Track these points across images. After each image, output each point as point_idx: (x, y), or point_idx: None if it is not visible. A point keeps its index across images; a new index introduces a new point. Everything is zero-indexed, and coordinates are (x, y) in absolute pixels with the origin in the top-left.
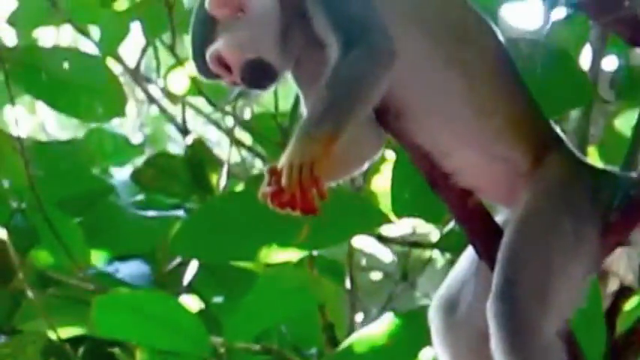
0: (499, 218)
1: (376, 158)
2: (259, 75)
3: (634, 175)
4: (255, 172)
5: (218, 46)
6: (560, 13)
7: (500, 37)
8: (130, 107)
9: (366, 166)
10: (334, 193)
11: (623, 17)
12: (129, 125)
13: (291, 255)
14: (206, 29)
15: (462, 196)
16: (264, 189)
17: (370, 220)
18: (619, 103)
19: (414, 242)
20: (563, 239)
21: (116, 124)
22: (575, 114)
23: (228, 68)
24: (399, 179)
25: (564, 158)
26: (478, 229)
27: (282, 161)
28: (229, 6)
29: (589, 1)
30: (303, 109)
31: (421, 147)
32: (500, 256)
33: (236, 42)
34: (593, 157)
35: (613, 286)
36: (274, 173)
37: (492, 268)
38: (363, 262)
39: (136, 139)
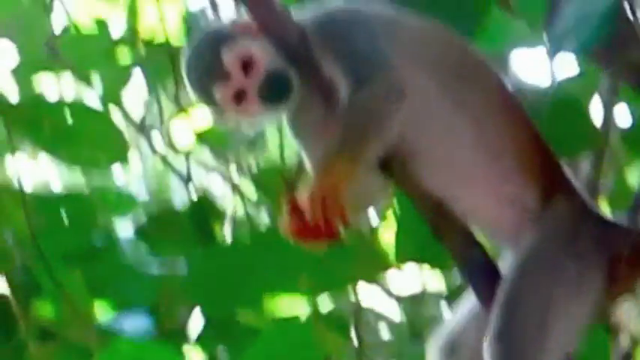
0: (503, 264)
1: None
2: (280, 86)
3: None
4: (260, 224)
5: (250, 44)
6: (570, 65)
7: (505, 80)
8: (134, 159)
9: (374, 210)
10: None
11: (631, 65)
12: (133, 178)
13: (294, 301)
14: (226, 33)
15: (465, 244)
16: (287, 224)
17: (373, 265)
18: (630, 155)
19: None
20: (565, 282)
21: (120, 177)
22: (586, 164)
23: (246, 72)
24: (404, 226)
25: (573, 203)
26: (481, 277)
27: (305, 195)
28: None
29: (596, 47)
30: (304, 160)
31: (428, 192)
32: (499, 295)
33: (269, 49)
34: (603, 208)
35: (625, 340)
36: (295, 209)
37: None
38: (371, 318)
39: (141, 191)
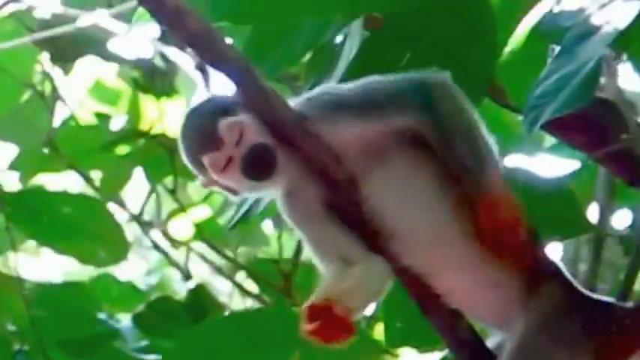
0: (491, 341)
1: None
2: (264, 160)
3: (629, 305)
4: None
5: (244, 118)
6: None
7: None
8: (136, 253)
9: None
10: None
11: (619, 155)
12: (135, 271)
13: None
14: (225, 104)
15: (452, 321)
16: (307, 327)
17: (363, 349)
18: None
19: None
20: None
21: (122, 270)
22: (582, 268)
23: (237, 141)
24: (391, 307)
25: (560, 288)
26: (469, 355)
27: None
28: None
29: (584, 137)
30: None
31: (411, 269)
32: None
33: (261, 125)
34: None
35: None
36: (314, 309)
37: None
38: None
39: (143, 284)
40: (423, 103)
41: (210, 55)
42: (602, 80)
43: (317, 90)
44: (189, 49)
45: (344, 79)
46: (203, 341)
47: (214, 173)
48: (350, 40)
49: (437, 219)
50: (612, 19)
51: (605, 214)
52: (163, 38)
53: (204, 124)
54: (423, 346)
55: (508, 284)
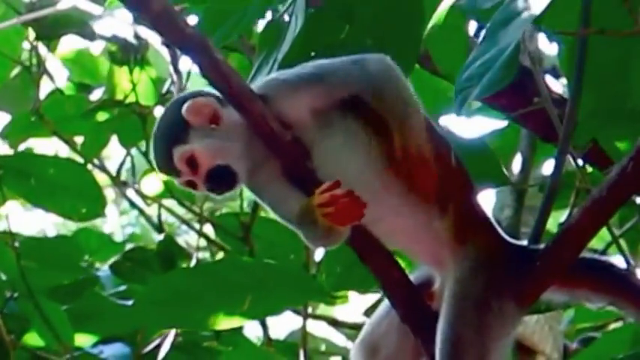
0: (418, 273)
1: None
2: (224, 181)
3: (541, 247)
4: None
5: (193, 147)
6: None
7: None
8: (113, 209)
9: None
10: (276, 268)
11: (535, 115)
12: (115, 224)
13: (237, 322)
14: (177, 130)
15: (388, 268)
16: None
17: (308, 292)
18: None
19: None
20: (492, 319)
21: (103, 223)
22: (507, 213)
23: (193, 168)
24: (331, 254)
25: (489, 236)
26: (401, 297)
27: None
28: (206, 116)
29: (504, 100)
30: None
31: None
32: (439, 334)
33: (212, 148)
34: None
35: None
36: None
37: (414, 331)
38: (323, 347)
39: (118, 234)
40: (363, 73)
41: (171, 33)
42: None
43: (272, 75)
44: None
45: (291, 50)
46: (171, 288)
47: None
48: (295, 16)
49: (374, 175)
50: (530, 4)
51: (526, 167)
52: (136, 19)
53: (161, 154)
54: (360, 288)
55: (440, 226)
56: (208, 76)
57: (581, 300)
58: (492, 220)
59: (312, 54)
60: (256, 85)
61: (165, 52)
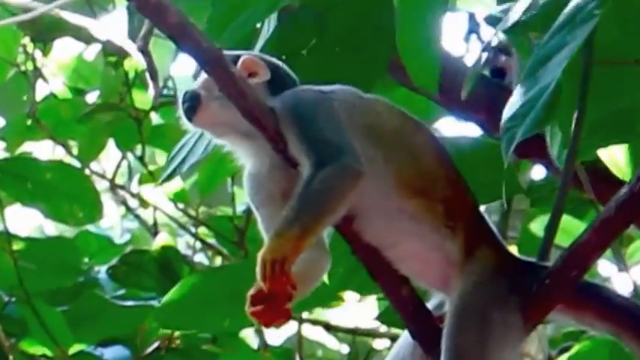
0: (432, 302)
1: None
2: (188, 104)
3: (549, 265)
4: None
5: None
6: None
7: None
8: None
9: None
10: None
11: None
12: (115, 228)
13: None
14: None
15: (397, 285)
16: (250, 309)
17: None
18: (533, 210)
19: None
20: (494, 330)
21: (104, 227)
22: (494, 218)
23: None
24: (335, 255)
25: (493, 251)
26: (411, 314)
27: (257, 260)
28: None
29: (482, 116)
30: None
31: (368, 244)
32: (442, 345)
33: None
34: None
35: None
36: (258, 296)
37: (425, 349)
38: (319, 352)
39: (123, 239)
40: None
41: (186, 46)
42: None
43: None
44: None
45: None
46: (184, 297)
47: None
48: (267, 20)
49: (390, 203)
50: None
51: None
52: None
53: None
54: (363, 291)
55: (451, 247)
56: (224, 89)
57: (585, 326)
58: (497, 234)
59: (283, 57)
60: (279, 98)
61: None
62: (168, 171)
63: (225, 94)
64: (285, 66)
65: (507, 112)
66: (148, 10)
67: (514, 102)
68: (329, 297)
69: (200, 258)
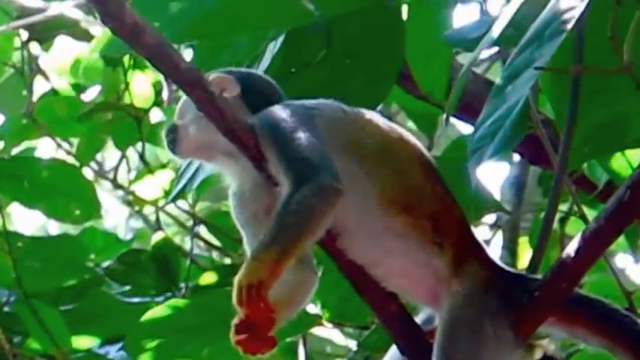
0: (421, 316)
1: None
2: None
3: (539, 277)
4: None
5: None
6: None
7: (424, 151)
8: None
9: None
10: None
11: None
12: (119, 227)
13: None
14: None
15: (385, 301)
16: (235, 338)
17: (301, 323)
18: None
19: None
20: (485, 343)
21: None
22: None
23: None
24: (327, 285)
25: (482, 265)
26: (400, 330)
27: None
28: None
29: None
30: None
31: (353, 261)
32: (434, 359)
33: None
34: (524, 246)
35: (537, 355)
36: (242, 325)
37: None
38: (328, 349)
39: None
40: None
41: (165, 68)
42: None
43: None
44: None
45: (270, 67)
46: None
47: None
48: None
49: (374, 221)
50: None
51: (521, 192)
52: None
53: None
54: (356, 321)
55: (439, 264)
56: (204, 110)
57: (578, 339)
58: (486, 247)
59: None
60: (259, 115)
61: None
62: (179, 187)
63: (204, 114)
64: (265, 79)
65: (476, 132)
66: (124, 33)
67: (482, 121)
68: (309, 322)
69: (201, 251)
